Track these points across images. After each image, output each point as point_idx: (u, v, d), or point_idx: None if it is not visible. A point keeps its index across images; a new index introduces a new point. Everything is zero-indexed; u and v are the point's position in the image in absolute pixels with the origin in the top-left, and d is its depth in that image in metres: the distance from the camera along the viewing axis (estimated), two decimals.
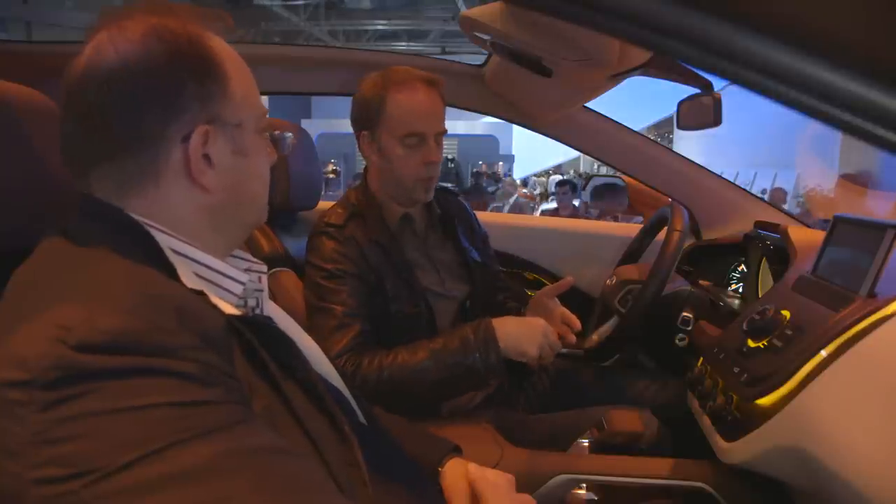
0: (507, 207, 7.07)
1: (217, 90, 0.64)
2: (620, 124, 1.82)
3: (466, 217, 1.52)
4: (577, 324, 1.30)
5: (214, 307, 0.58)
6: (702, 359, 1.16)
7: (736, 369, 1.00)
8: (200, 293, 0.58)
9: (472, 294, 1.39)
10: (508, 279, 1.64)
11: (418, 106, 1.29)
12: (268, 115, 0.72)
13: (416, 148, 1.29)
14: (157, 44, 0.61)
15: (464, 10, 1.38)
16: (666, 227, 1.39)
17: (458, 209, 1.51)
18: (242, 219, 0.71)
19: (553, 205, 6.58)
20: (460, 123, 13.10)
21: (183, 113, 0.62)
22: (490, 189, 8.91)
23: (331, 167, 9.76)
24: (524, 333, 1.20)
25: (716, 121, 1.36)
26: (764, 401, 0.89)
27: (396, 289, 1.28)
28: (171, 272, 0.59)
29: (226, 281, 0.65)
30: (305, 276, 1.32)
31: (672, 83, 1.38)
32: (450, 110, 1.45)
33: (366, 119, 1.32)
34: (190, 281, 0.59)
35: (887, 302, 0.84)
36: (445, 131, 1.34)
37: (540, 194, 10.21)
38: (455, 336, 1.19)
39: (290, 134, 0.78)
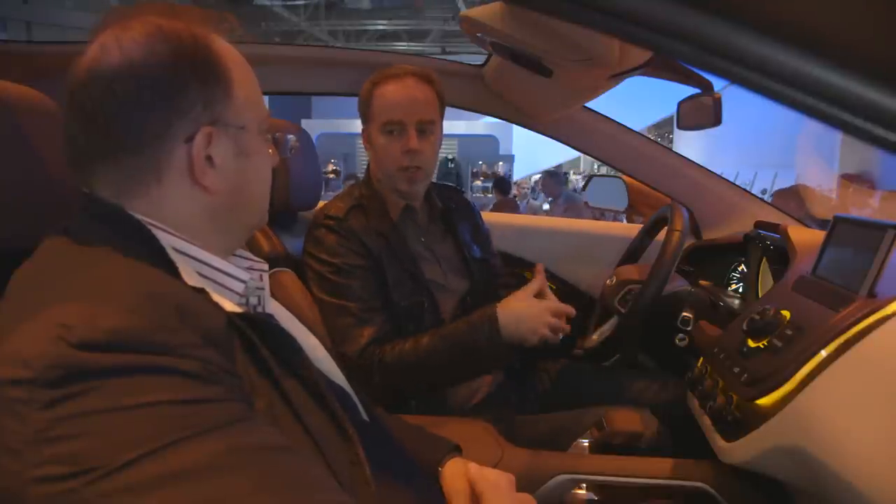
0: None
1: (221, 92, 0.64)
2: (620, 124, 1.82)
3: (471, 214, 1.54)
4: (571, 310, 1.28)
5: (216, 305, 0.58)
6: (702, 359, 1.16)
7: (736, 369, 1.00)
8: (202, 291, 0.58)
9: (471, 289, 1.40)
10: (509, 278, 1.64)
11: (397, 95, 1.32)
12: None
13: (395, 136, 1.32)
14: (162, 45, 0.61)
15: (464, 10, 1.38)
16: (666, 227, 1.39)
17: (461, 205, 1.52)
18: (244, 220, 0.71)
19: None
20: (460, 123, 13.08)
21: (186, 114, 0.62)
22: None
23: (331, 167, 9.77)
24: (524, 319, 1.21)
25: (716, 121, 1.36)
26: (764, 401, 0.89)
27: (398, 279, 1.30)
28: (173, 271, 0.59)
29: (227, 279, 0.65)
30: (308, 269, 1.33)
31: (672, 83, 1.39)
32: (450, 110, 1.46)
33: (362, 115, 1.38)
34: (191, 279, 0.59)
35: (887, 302, 0.84)
36: (432, 121, 1.34)
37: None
38: (464, 320, 1.25)
39: (293, 136, 0.79)
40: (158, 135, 0.62)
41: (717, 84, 1.32)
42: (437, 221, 1.45)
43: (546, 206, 7.31)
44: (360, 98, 1.38)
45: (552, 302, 1.24)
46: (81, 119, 0.62)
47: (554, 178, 6.78)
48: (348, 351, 1.23)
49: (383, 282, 1.29)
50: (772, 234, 1.43)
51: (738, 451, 0.94)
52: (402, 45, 13.34)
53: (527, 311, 1.21)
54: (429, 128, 1.33)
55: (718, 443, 0.99)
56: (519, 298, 1.23)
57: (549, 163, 15.27)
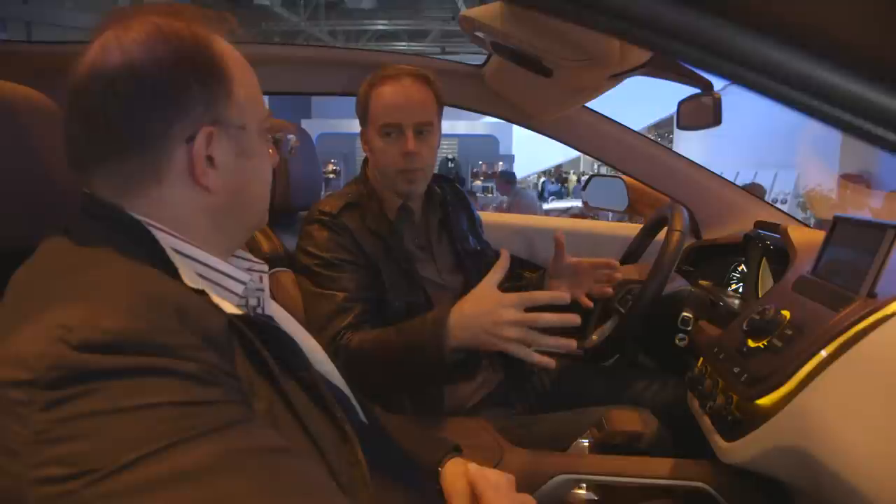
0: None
1: (221, 92, 0.64)
2: (620, 124, 1.82)
3: (465, 203, 1.54)
4: (613, 262, 1.33)
5: (216, 307, 0.58)
6: (702, 359, 1.16)
7: (736, 369, 1.00)
8: (202, 293, 0.58)
9: (466, 285, 1.40)
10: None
11: (394, 97, 1.31)
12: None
13: (393, 139, 1.31)
14: (163, 45, 0.61)
15: (464, 10, 1.38)
16: (666, 227, 1.39)
17: (456, 197, 1.52)
18: (244, 220, 0.71)
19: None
20: (460, 123, 13.08)
21: (187, 114, 0.62)
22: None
23: (331, 167, 9.77)
24: (474, 315, 1.08)
25: (716, 121, 1.36)
26: (764, 401, 0.89)
27: (394, 279, 1.30)
28: (173, 272, 0.59)
29: (227, 281, 0.65)
30: (297, 263, 1.33)
31: (672, 83, 1.39)
32: (450, 110, 1.46)
33: (360, 116, 1.37)
34: (191, 281, 0.59)
35: (887, 302, 0.84)
36: (430, 122, 1.32)
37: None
38: (419, 318, 1.16)
39: (293, 136, 0.79)
40: (159, 135, 0.62)
41: (717, 84, 1.33)
42: (435, 214, 1.45)
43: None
44: (357, 100, 1.37)
45: (509, 294, 1.08)
46: (82, 119, 0.62)
47: (504, 178, 7.65)
48: (323, 338, 1.17)
49: (378, 282, 1.29)
50: (772, 234, 1.43)
51: (738, 451, 0.94)
52: (402, 45, 13.33)
53: (475, 306, 1.08)
54: (426, 129, 1.32)
55: (718, 443, 0.99)
56: (471, 294, 1.11)
57: (550, 163, 15.29)
